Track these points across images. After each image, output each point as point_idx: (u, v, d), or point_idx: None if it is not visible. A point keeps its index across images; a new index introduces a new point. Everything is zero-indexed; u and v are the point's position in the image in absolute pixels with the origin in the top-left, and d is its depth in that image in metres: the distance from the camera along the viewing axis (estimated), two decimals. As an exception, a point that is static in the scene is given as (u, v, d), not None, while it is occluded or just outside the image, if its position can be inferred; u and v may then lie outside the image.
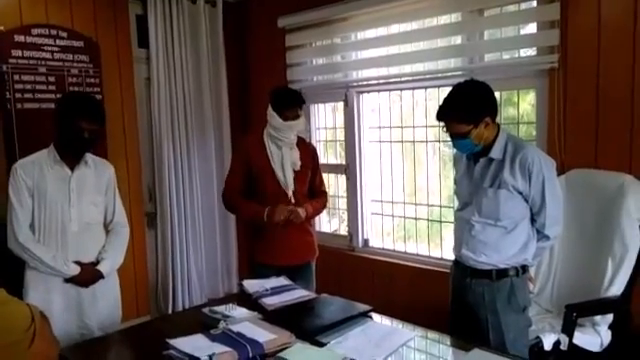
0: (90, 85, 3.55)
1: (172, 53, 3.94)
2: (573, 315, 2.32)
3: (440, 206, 3.59)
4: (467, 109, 2.09)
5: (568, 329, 2.29)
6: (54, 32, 3.40)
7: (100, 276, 2.43)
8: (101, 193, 2.51)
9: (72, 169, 2.41)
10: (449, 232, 3.43)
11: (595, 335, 2.41)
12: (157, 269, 4.02)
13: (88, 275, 2.40)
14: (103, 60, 3.63)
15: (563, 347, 2.30)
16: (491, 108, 2.14)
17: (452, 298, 2.37)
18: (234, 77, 4.38)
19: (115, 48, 3.73)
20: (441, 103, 2.16)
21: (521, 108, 3.25)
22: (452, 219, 2.75)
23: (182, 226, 4.00)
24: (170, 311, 3.92)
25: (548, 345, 2.34)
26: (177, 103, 3.98)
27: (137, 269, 3.86)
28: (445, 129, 2.16)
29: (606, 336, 2.43)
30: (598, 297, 2.42)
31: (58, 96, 3.32)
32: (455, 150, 2.37)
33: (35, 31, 3.32)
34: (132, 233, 3.69)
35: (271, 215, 2.72)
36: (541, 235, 2.20)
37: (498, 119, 2.40)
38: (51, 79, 3.39)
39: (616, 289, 2.42)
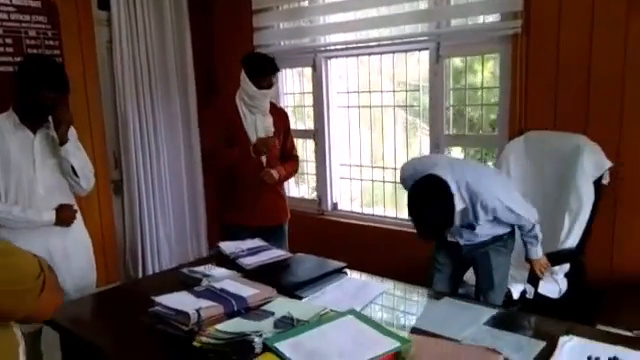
0: (49, 47, 3.41)
1: (134, 15, 3.81)
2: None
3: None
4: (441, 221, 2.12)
5: (533, 280, 2.46)
6: (9, -9, 3.24)
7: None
8: None
9: (34, 132, 2.36)
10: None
11: (554, 284, 2.59)
12: (125, 236, 3.98)
13: (66, 211, 2.40)
14: (62, 22, 3.48)
15: (529, 296, 2.48)
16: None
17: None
18: (199, 40, 4.28)
19: (74, 9, 3.58)
20: (415, 223, 2.15)
21: (483, 75, 3.35)
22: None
23: (149, 191, 3.97)
24: (140, 277, 3.91)
25: (516, 294, 2.52)
26: (141, 66, 3.87)
27: (105, 237, 3.81)
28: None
29: (563, 284, 2.62)
30: (556, 249, 2.59)
31: (16, 59, 3.19)
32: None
33: (-11, -11, 3.16)
34: (98, 200, 3.69)
35: (256, 150, 2.78)
36: (526, 230, 2.31)
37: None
38: (8, 41, 3.24)
39: (572, 241, 2.60)
